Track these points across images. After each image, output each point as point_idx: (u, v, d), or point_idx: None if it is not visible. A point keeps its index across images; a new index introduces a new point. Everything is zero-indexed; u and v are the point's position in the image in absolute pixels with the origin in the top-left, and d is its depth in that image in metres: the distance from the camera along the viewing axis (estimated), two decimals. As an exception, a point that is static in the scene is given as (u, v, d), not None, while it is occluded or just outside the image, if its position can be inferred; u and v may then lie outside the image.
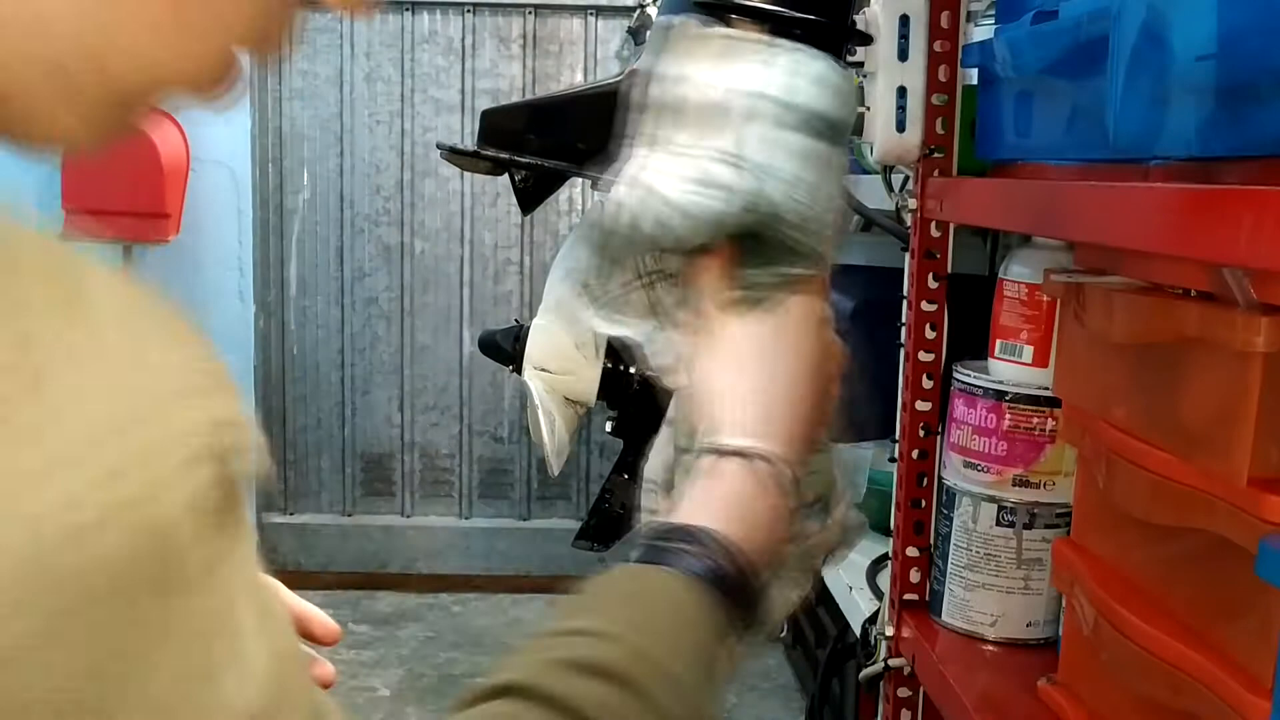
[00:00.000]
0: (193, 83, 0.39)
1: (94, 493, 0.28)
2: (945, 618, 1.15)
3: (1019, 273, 1.09)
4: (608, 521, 0.70)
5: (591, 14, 3.08)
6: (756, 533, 0.57)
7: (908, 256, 1.20)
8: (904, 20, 1.14)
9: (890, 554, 1.25)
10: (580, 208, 3.15)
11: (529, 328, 0.73)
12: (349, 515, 3.23)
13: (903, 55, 1.14)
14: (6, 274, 0.29)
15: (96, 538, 0.27)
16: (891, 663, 1.23)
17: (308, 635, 0.67)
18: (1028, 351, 1.08)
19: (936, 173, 1.15)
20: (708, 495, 0.58)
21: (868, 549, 1.58)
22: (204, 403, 0.31)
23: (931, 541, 1.19)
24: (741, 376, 0.62)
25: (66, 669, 0.27)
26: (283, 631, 0.35)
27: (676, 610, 0.53)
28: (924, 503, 1.22)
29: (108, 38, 0.35)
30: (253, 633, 0.33)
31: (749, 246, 0.61)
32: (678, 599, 0.53)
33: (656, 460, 0.66)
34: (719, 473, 0.59)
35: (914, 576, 1.22)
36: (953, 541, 1.13)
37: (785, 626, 2.63)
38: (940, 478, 1.18)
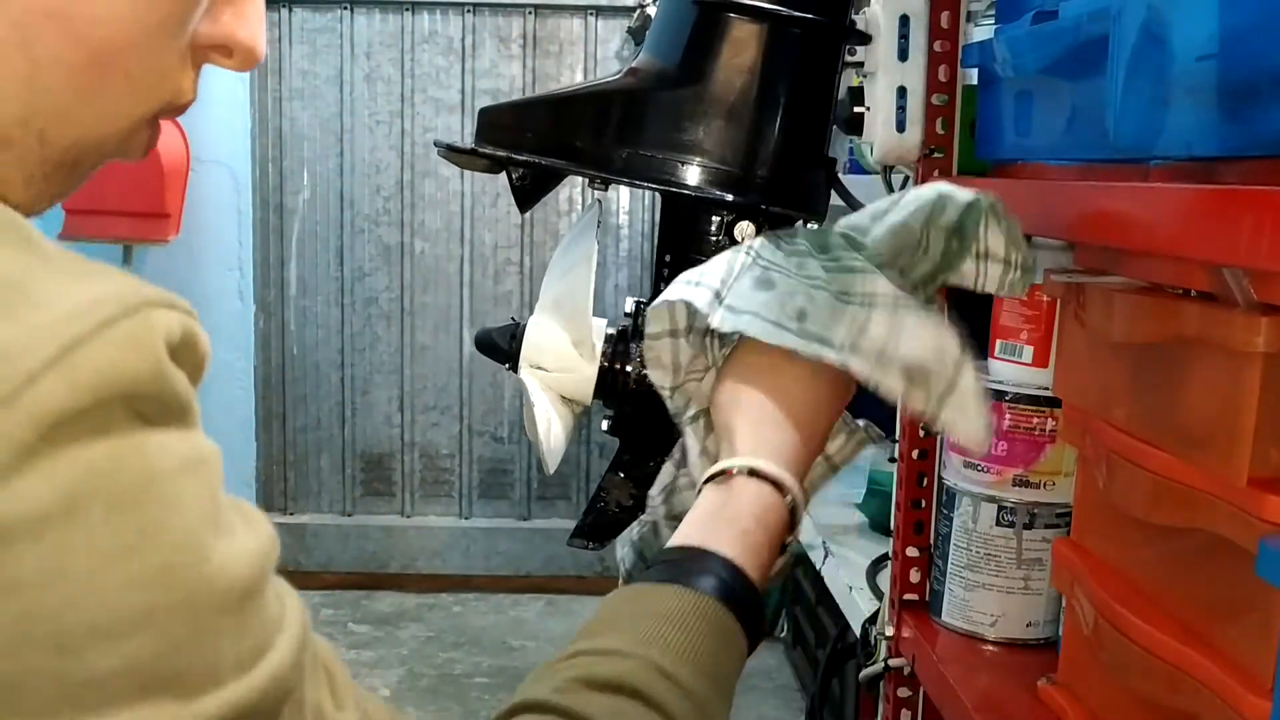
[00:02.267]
0: (121, 144, 0.46)
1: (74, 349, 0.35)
2: (945, 618, 1.15)
3: (1019, 273, 1.09)
4: (604, 520, 0.70)
5: (591, 14, 3.08)
6: (761, 553, 0.61)
7: (908, 256, 1.20)
8: (904, 20, 1.13)
9: (890, 554, 1.25)
10: (579, 207, 3.15)
11: (525, 325, 0.72)
12: (349, 515, 3.23)
13: (903, 55, 1.14)
14: None
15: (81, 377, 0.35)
16: (891, 663, 1.23)
17: None
18: (1028, 351, 1.08)
19: (936, 173, 1.15)
20: (720, 517, 0.61)
21: (868, 549, 1.58)
22: (146, 293, 0.38)
23: (931, 541, 1.19)
24: (764, 404, 0.64)
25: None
26: (265, 528, 0.42)
27: (689, 625, 0.56)
28: (924, 503, 1.22)
29: (46, 110, 0.42)
30: (234, 510, 0.41)
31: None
32: (691, 614, 0.56)
33: (657, 488, 0.69)
34: (735, 492, 0.62)
35: (914, 576, 1.22)
36: (953, 541, 1.13)
37: (785, 626, 2.63)
38: (940, 478, 1.18)
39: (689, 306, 0.65)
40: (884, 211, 0.68)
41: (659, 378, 0.67)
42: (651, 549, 0.71)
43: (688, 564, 0.58)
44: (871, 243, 0.67)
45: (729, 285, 0.65)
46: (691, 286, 0.65)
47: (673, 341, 0.67)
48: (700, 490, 0.63)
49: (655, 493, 0.70)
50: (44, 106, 0.42)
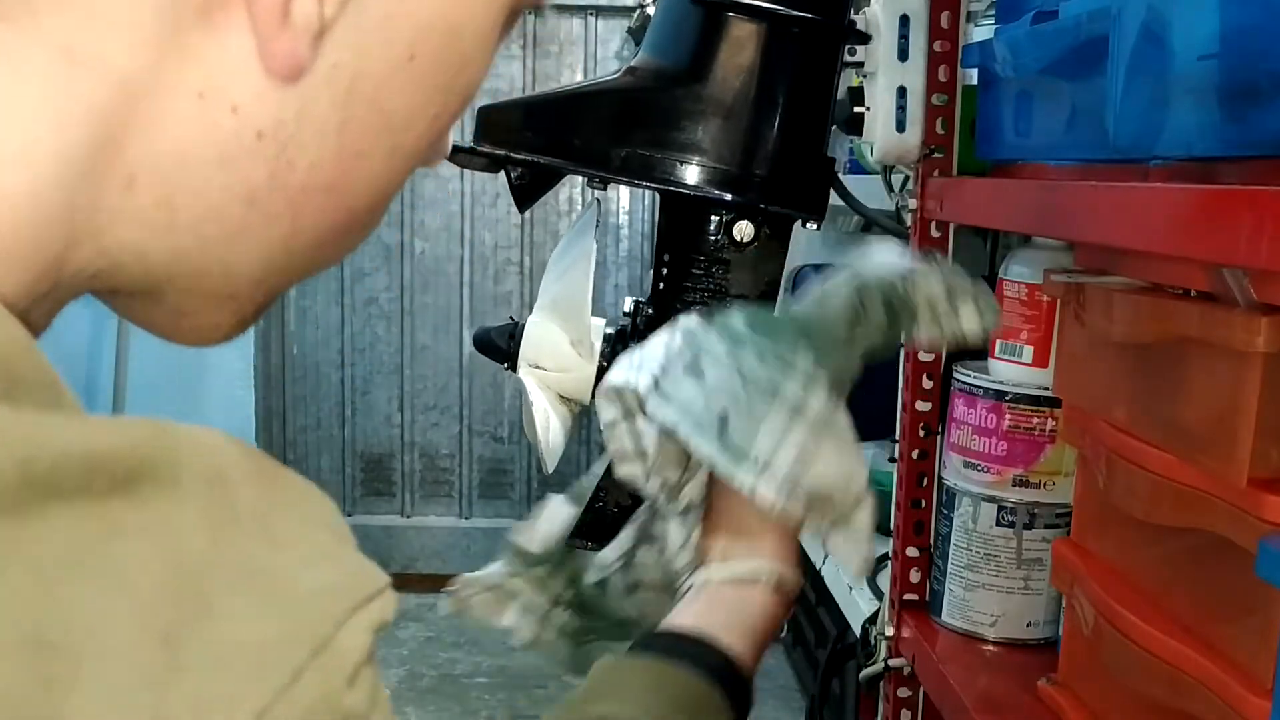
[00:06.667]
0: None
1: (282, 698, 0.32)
2: (945, 618, 1.14)
3: (1019, 273, 1.09)
4: (603, 519, 0.70)
5: (591, 14, 3.08)
6: (759, 647, 0.64)
7: (908, 256, 1.20)
8: (904, 20, 1.13)
9: (890, 554, 1.25)
10: (579, 206, 3.15)
11: (524, 325, 0.72)
12: (349, 515, 3.22)
13: (903, 55, 1.14)
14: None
15: None
16: (891, 663, 1.23)
17: None
18: (1028, 351, 1.08)
19: (936, 173, 1.15)
20: (745, 624, 0.64)
21: (867, 549, 1.57)
22: (360, 606, 0.35)
23: (931, 541, 1.19)
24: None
25: None
26: None
27: (691, 703, 0.59)
28: (924, 503, 1.22)
29: (282, 268, 0.42)
30: None
31: None
32: (692, 694, 0.59)
33: (615, 551, 0.70)
34: (759, 602, 0.65)
35: (914, 576, 1.22)
36: (953, 541, 1.13)
37: (785, 626, 2.63)
38: (940, 478, 1.18)
39: (635, 390, 0.63)
40: (825, 295, 0.67)
41: (629, 470, 0.66)
42: (610, 614, 0.72)
43: (692, 647, 0.60)
44: (819, 324, 0.66)
45: (666, 370, 0.62)
46: (634, 370, 0.63)
47: (629, 425, 0.65)
48: (703, 580, 0.65)
49: (613, 557, 0.69)
50: (282, 266, 0.42)
